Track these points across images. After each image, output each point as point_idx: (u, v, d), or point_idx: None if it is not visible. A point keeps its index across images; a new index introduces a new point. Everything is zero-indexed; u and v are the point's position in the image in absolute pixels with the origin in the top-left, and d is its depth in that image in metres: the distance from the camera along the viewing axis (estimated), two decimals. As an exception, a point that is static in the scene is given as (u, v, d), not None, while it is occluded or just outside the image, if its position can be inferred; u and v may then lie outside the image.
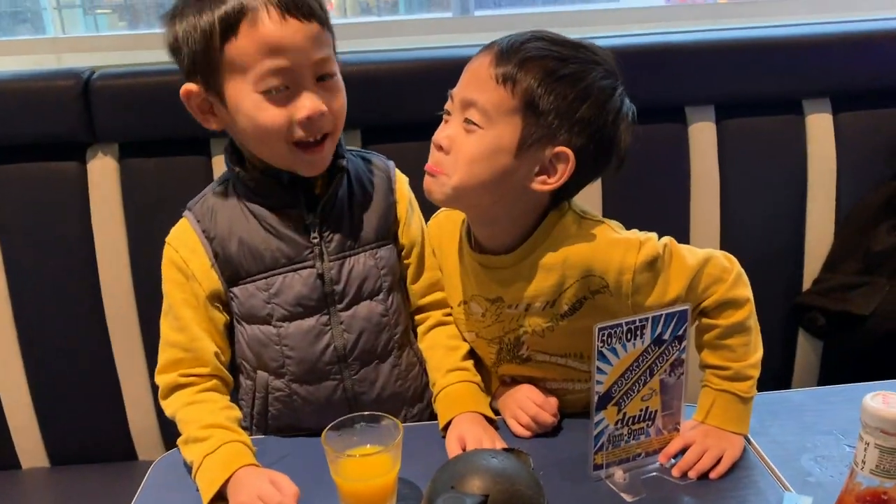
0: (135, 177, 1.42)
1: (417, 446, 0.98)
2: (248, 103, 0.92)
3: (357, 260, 1.02)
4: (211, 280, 1.00)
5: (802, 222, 1.55)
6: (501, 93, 0.90)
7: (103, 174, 1.41)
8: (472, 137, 0.92)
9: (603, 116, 0.93)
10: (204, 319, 1.01)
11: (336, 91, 0.96)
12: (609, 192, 1.45)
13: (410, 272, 1.10)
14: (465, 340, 1.10)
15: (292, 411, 1.05)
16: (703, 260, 0.98)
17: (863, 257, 1.51)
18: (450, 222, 1.09)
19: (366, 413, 0.89)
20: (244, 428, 1.02)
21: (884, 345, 1.42)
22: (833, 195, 1.54)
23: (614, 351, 0.88)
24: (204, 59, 0.92)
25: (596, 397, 0.89)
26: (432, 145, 0.96)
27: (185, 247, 1.01)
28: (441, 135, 0.95)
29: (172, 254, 1.02)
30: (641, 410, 0.93)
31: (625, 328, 0.87)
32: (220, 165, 1.40)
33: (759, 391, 1.08)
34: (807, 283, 1.57)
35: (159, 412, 1.48)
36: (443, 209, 1.10)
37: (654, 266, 0.95)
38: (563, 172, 0.93)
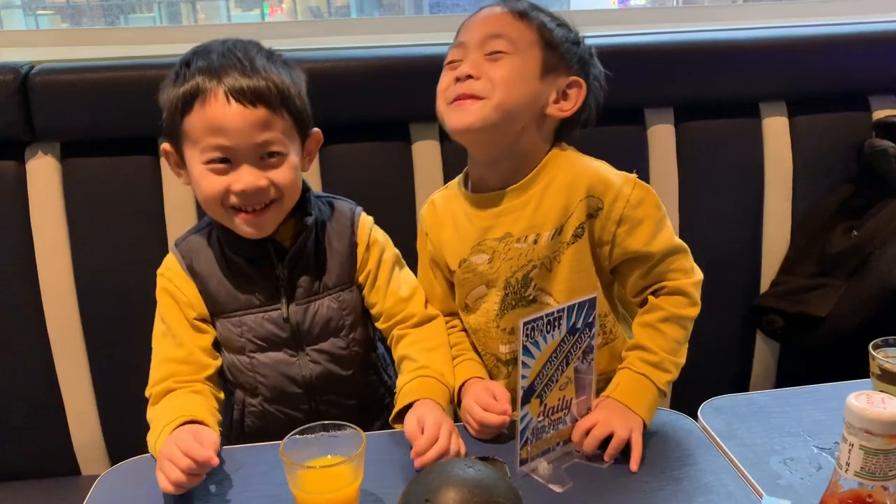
0: (77, 177, 1.35)
1: (382, 456, 0.95)
2: (196, 171, 1.03)
3: (321, 304, 1.11)
4: (200, 306, 1.10)
5: (759, 224, 1.55)
6: (520, 26, 1.04)
7: (43, 174, 1.34)
8: (503, 63, 1.02)
9: (593, 60, 1.11)
10: (198, 338, 1.09)
11: (282, 167, 1.03)
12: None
13: (370, 302, 1.15)
14: (462, 311, 1.15)
15: (265, 425, 1.15)
16: (682, 247, 1.08)
17: (819, 259, 1.52)
18: (442, 198, 1.16)
19: (327, 422, 0.84)
20: (221, 434, 1.01)
21: (841, 346, 1.43)
22: (789, 197, 1.55)
23: (536, 344, 0.90)
24: (171, 125, 1.04)
25: (521, 391, 0.90)
26: (454, 80, 1.03)
27: (177, 277, 1.10)
28: (465, 67, 1.02)
29: (166, 283, 1.11)
30: (560, 400, 0.95)
31: (545, 320, 0.89)
32: (167, 167, 1.35)
33: (718, 394, 1.10)
34: (764, 286, 1.58)
35: (104, 425, 1.43)
36: (435, 195, 1.17)
37: (641, 206, 1.04)
38: (577, 99, 1.06)
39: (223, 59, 1.00)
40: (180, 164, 1.07)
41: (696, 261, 1.32)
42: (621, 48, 1.45)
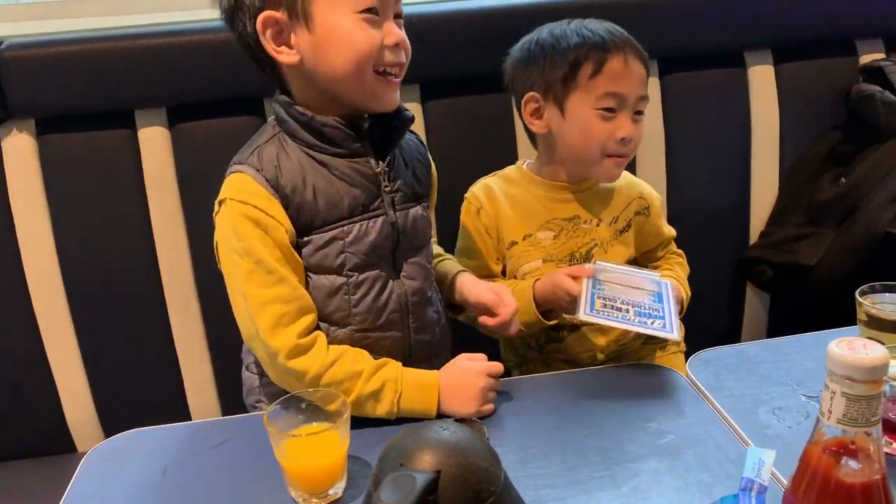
0: (55, 154, 1.33)
1: (368, 421, 0.95)
2: (347, 23, 0.92)
3: (415, 211, 1.05)
4: (289, 226, 0.96)
5: (747, 175, 1.55)
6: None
7: (19, 153, 1.32)
8: (641, 125, 1.18)
9: None
10: (295, 267, 0.97)
11: (403, 31, 0.98)
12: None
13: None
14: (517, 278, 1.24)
15: None
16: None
17: (807, 208, 1.52)
18: (497, 183, 1.26)
19: (311, 389, 0.84)
20: None
21: (830, 294, 1.43)
22: (777, 147, 1.54)
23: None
24: None
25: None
26: (624, 136, 1.15)
27: (256, 196, 0.95)
28: (629, 130, 1.15)
29: (244, 208, 0.95)
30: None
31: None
32: (148, 138, 1.33)
33: (709, 346, 1.11)
34: (753, 237, 1.57)
35: (97, 401, 1.43)
36: (487, 179, 1.28)
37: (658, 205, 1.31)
38: None
39: None
40: (283, 38, 0.95)
41: (684, 214, 1.40)
42: (600, 2, 1.43)
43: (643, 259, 1.31)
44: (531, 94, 1.18)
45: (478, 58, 1.36)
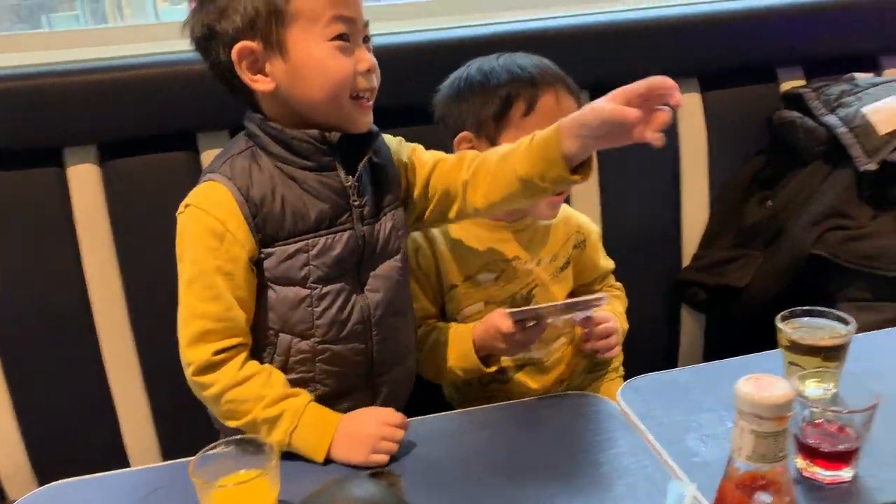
0: None
1: (299, 466, 0.95)
2: (319, 52, 0.94)
3: (382, 223, 1.04)
4: (250, 241, 0.97)
5: (678, 200, 1.59)
6: None
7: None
8: None
9: None
10: (239, 286, 0.97)
11: (372, 56, 1.00)
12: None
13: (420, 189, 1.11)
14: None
15: (313, 372, 1.04)
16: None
17: (736, 231, 1.56)
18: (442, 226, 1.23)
19: (236, 437, 0.83)
20: None
21: (761, 315, 1.46)
22: (706, 171, 1.59)
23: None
24: (266, 12, 0.93)
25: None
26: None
27: (219, 207, 0.96)
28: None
29: (204, 217, 0.96)
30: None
31: (536, 311, 1.07)
32: (78, 176, 1.31)
33: (647, 371, 1.12)
34: (686, 260, 1.61)
35: (28, 446, 1.39)
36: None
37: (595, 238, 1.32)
38: None
39: None
40: (259, 66, 0.96)
41: (619, 239, 1.41)
42: (537, 33, 1.46)
43: (579, 293, 1.31)
44: (464, 133, 1.18)
45: (412, 89, 1.37)
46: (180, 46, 1.05)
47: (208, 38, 0.97)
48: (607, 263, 1.33)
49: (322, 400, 1.01)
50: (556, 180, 0.98)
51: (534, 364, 1.25)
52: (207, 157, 1.34)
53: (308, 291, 0.99)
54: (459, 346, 1.15)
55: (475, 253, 1.22)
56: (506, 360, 1.21)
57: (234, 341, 0.97)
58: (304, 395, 0.99)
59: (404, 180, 1.09)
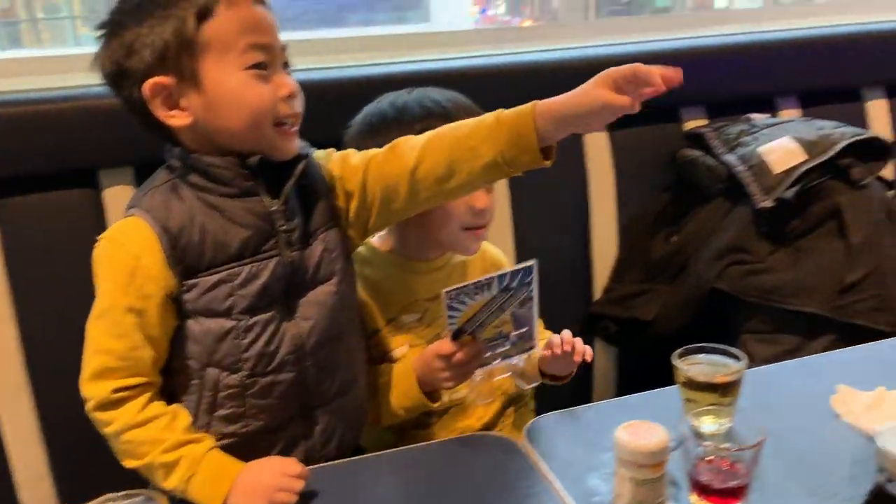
0: None
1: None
2: (235, 81, 0.92)
3: (314, 247, 1.01)
4: (166, 276, 0.94)
5: (588, 235, 1.62)
6: None
7: None
8: (493, 194, 1.19)
9: None
10: (150, 324, 0.94)
11: (293, 80, 0.98)
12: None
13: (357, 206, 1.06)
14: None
15: (244, 407, 1.00)
16: None
17: (644, 265, 1.60)
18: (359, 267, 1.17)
19: (120, 493, 0.81)
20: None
21: (669, 348, 1.50)
22: (614, 207, 1.63)
23: (463, 303, 0.99)
24: (177, 45, 0.91)
25: (449, 333, 1.02)
26: (482, 208, 1.15)
27: (134, 242, 0.94)
28: (485, 202, 1.16)
29: (116, 252, 0.94)
30: (496, 334, 1.05)
31: (471, 287, 0.98)
32: None
33: (561, 405, 1.13)
34: (598, 293, 1.64)
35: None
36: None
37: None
38: None
39: None
40: (172, 101, 0.93)
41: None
42: (475, 70, 1.48)
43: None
44: None
45: (324, 125, 1.37)
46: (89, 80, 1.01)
47: (118, 75, 0.94)
48: None
49: (256, 435, 0.99)
50: (526, 165, 0.96)
51: (458, 405, 1.23)
52: (109, 195, 1.31)
53: (234, 323, 0.96)
54: (402, 383, 1.12)
55: (395, 294, 1.20)
56: (445, 398, 1.18)
57: (137, 381, 0.94)
58: (206, 442, 0.96)
59: (340, 194, 1.05)
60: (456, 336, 1.03)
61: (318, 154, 1.06)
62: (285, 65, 0.98)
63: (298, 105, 0.98)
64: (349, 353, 1.08)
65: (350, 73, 1.47)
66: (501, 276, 0.99)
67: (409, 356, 1.15)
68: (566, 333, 1.15)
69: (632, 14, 2.40)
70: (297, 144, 0.99)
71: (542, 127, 0.94)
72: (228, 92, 0.92)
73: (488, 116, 0.98)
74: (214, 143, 0.96)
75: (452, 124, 1.02)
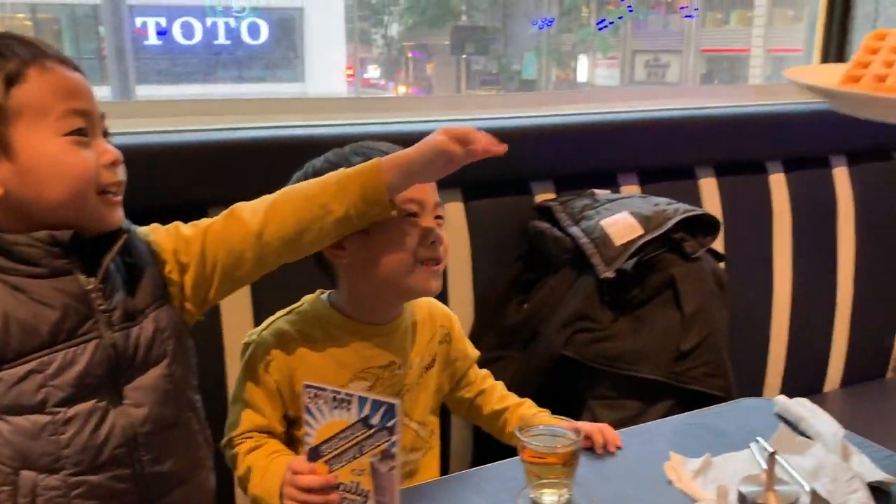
0: None
1: None
2: (53, 149, 0.87)
3: (142, 326, 0.95)
4: None
5: (445, 302, 1.64)
6: None
7: None
8: (443, 226, 1.16)
9: None
10: None
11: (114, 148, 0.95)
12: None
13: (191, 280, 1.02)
14: None
15: None
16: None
17: (498, 332, 1.64)
18: (298, 327, 1.15)
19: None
20: None
21: (520, 414, 1.53)
22: (470, 276, 1.67)
23: (321, 411, 0.94)
24: None
25: (307, 447, 0.96)
26: (436, 242, 1.12)
27: None
28: (437, 232, 1.14)
29: None
30: (353, 483, 0.96)
31: (330, 394, 0.93)
32: None
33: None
34: (454, 361, 1.66)
35: None
36: (280, 323, 1.16)
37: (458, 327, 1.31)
38: None
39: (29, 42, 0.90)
40: None
41: None
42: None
43: (459, 389, 1.31)
44: None
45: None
46: None
47: None
48: (474, 350, 1.33)
49: None
50: (376, 216, 1.02)
51: None
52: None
53: (49, 417, 0.88)
54: (268, 481, 1.06)
55: (347, 360, 1.15)
56: None
57: None
58: None
59: (173, 267, 1.01)
60: (312, 455, 0.96)
61: (142, 229, 1.03)
62: (105, 133, 0.94)
63: (122, 173, 0.94)
64: (189, 439, 1.02)
65: (217, 136, 1.46)
66: (362, 400, 0.92)
67: (277, 466, 1.06)
68: (608, 431, 1.18)
69: (502, 83, 2.52)
70: (121, 214, 0.95)
71: (389, 179, 1.00)
72: (46, 160, 0.87)
73: (334, 175, 1.03)
74: (28, 216, 0.89)
75: (293, 186, 1.05)
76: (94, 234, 0.93)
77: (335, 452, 0.95)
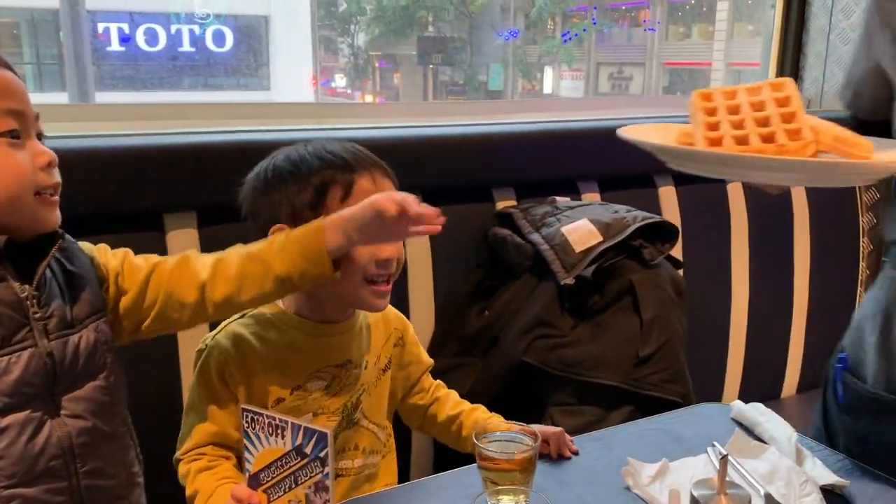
0: None
1: None
2: None
3: (81, 336, 0.93)
4: None
5: (406, 309, 1.63)
6: None
7: None
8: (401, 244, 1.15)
9: None
10: None
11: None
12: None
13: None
14: None
15: None
16: None
17: (459, 339, 1.64)
18: (252, 329, 1.14)
19: None
20: None
21: (481, 421, 1.53)
22: (431, 283, 1.66)
23: (258, 437, 0.93)
24: None
25: (247, 474, 0.95)
26: (386, 258, 1.11)
27: None
28: (398, 252, 1.14)
29: None
30: None
31: (266, 420, 0.92)
32: None
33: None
34: (416, 368, 1.65)
35: None
36: (234, 327, 1.15)
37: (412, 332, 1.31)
38: None
39: None
40: None
41: None
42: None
43: (412, 395, 1.30)
44: (278, 225, 1.10)
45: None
46: None
47: None
48: (427, 358, 1.33)
49: None
50: (316, 278, 1.01)
51: None
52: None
53: None
54: (217, 499, 1.05)
55: (303, 360, 1.14)
56: None
57: None
58: None
59: (113, 287, 1.00)
60: (252, 483, 0.95)
61: (86, 245, 1.02)
62: (39, 135, 0.92)
63: (58, 175, 0.93)
64: (123, 454, 1.00)
65: (175, 139, 1.44)
66: (295, 427, 0.91)
67: (222, 493, 1.06)
68: (563, 436, 1.18)
69: (468, 93, 2.52)
70: (58, 215, 0.93)
71: (331, 241, 1.00)
72: None
73: (279, 235, 1.04)
74: None
75: (242, 246, 1.05)
76: (29, 237, 0.91)
77: (273, 481, 0.94)
